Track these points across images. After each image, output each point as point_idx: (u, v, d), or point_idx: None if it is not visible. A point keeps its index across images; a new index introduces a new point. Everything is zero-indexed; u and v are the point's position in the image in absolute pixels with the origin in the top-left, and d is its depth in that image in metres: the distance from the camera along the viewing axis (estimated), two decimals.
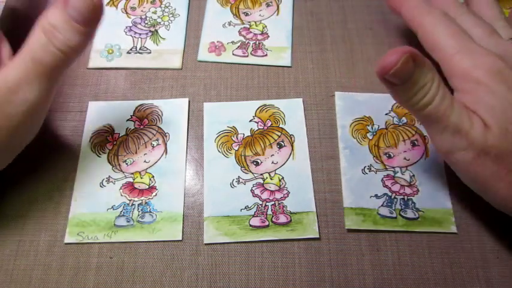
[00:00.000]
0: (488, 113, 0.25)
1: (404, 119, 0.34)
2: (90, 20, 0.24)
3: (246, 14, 0.39)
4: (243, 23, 0.39)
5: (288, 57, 0.37)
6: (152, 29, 0.38)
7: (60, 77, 0.26)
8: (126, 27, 0.38)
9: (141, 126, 0.34)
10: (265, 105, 0.35)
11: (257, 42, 0.37)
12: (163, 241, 0.30)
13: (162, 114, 0.34)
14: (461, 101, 0.26)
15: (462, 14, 0.31)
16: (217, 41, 0.37)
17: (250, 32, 0.38)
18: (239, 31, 0.38)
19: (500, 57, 0.26)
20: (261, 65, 0.36)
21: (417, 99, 0.25)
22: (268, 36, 0.38)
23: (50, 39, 0.24)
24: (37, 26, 0.25)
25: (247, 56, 0.37)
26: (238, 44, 0.37)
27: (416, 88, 0.24)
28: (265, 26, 0.38)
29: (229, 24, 0.38)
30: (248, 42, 0.37)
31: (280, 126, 0.34)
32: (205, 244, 0.30)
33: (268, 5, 0.39)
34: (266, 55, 0.37)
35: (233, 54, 0.37)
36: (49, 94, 0.26)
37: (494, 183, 0.25)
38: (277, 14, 0.39)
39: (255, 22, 0.39)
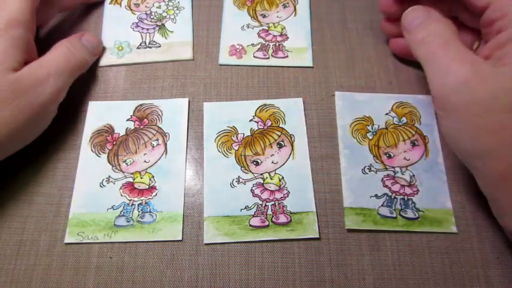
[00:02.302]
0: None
1: (404, 119, 0.34)
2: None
3: (264, 16, 0.39)
4: (261, 25, 0.38)
5: (309, 57, 0.37)
6: (159, 23, 0.38)
7: (73, 79, 0.33)
8: (133, 23, 0.38)
9: (141, 126, 0.34)
10: (265, 104, 0.34)
11: (277, 44, 0.37)
12: (163, 241, 0.30)
13: (162, 114, 0.34)
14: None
15: None
16: (238, 44, 0.37)
17: (269, 33, 0.38)
18: (258, 33, 0.38)
19: None
20: (283, 67, 0.36)
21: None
22: (288, 38, 0.38)
23: (70, 53, 0.33)
24: (61, 44, 0.33)
25: (268, 58, 0.37)
26: (258, 46, 0.37)
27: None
28: (284, 28, 0.38)
29: (248, 26, 0.38)
30: (268, 44, 0.37)
31: (280, 126, 0.34)
32: (205, 244, 0.30)
33: (284, 6, 0.39)
34: (287, 56, 0.37)
35: (254, 56, 0.37)
36: (61, 91, 0.32)
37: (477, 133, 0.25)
38: (295, 15, 0.39)
39: (273, 24, 0.38)
